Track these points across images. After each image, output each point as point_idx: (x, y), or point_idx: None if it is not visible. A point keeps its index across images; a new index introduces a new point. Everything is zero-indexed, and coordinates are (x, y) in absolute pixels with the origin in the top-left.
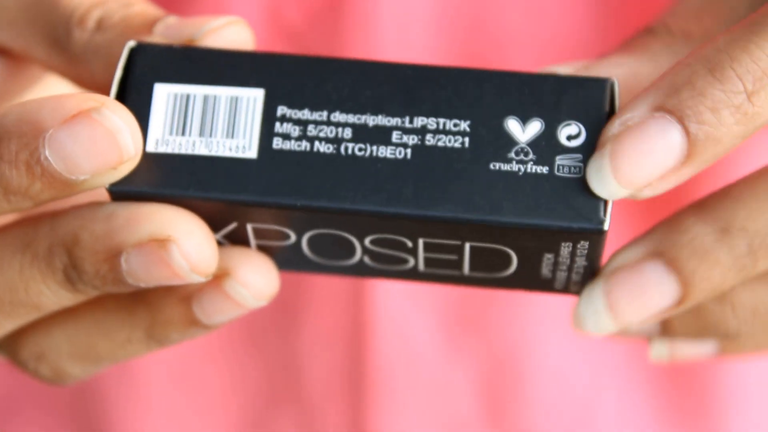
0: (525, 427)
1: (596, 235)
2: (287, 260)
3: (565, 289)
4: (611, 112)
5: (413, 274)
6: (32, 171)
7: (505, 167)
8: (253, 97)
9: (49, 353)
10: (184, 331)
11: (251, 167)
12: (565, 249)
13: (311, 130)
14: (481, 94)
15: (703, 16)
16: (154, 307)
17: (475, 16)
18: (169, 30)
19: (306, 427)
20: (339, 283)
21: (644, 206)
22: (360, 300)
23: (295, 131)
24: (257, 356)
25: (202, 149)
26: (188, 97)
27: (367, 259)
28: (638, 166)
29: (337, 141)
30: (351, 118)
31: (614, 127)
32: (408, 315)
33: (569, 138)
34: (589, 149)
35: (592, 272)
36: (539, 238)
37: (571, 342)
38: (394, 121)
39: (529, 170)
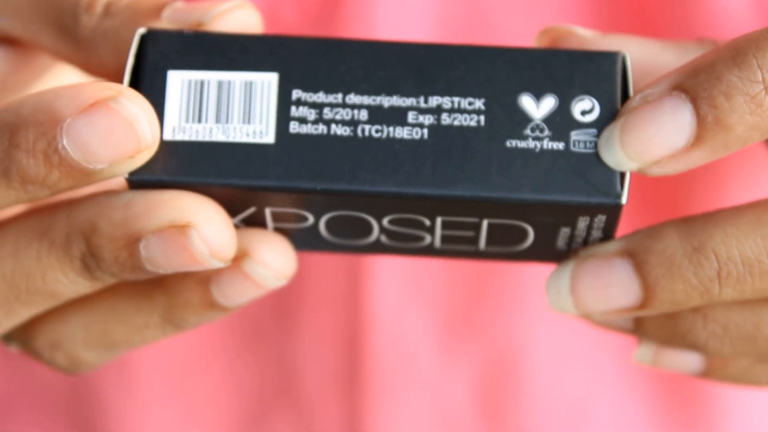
0: (521, 429)
1: (614, 209)
2: (303, 241)
3: None
4: (624, 86)
5: (428, 251)
6: (50, 160)
7: (522, 144)
8: (268, 81)
9: (64, 341)
10: (202, 314)
11: (269, 152)
12: (582, 223)
13: (327, 113)
14: (494, 71)
15: None
16: (171, 290)
17: (474, 17)
18: (177, 14)
19: (303, 427)
20: (336, 284)
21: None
22: (357, 301)
23: (311, 114)
24: (254, 357)
25: (219, 136)
26: (202, 83)
27: (383, 238)
28: (646, 140)
29: (353, 123)
30: (366, 100)
31: (635, 100)
32: (404, 316)
33: (583, 113)
34: (603, 123)
35: None
36: (557, 213)
37: (567, 344)
38: (409, 101)
39: (545, 147)
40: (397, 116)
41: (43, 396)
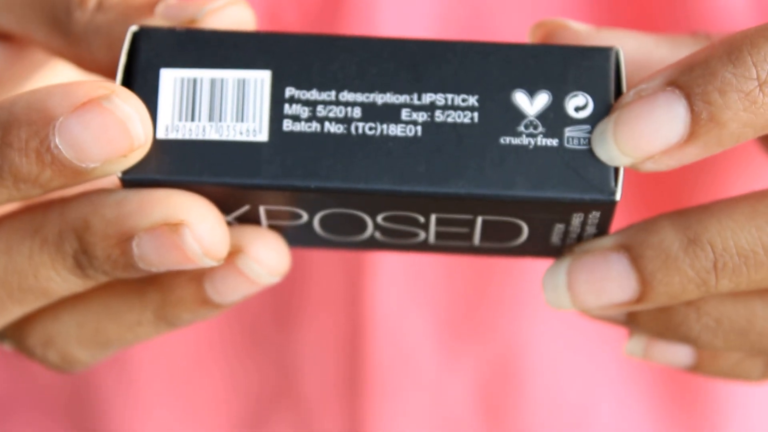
0: (522, 430)
1: (608, 206)
2: (298, 237)
3: None
4: (618, 81)
5: (423, 247)
6: (42, 159)
7: (516, 141)
8: (261, 79)
9: (57, 339)
10: (196, 311)
11: (263, 150)
12: (577, 219)
13: (320, 111)
14: (488, 67)
15: None
16: (164, 287)
17: (475, 16)
18: (170, 10)
19: (303, 428)
20: (336, 286)
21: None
22: (357, 302)
23: (304, 112)
24: (254, 359)
25: (212, 134)
26: (195, 81)
27: (378, 235)
28: (639, 135)
29: (347, 121)
30: (359, 97)
31: (629, 95)
32: (405, 317)
33: (577, 109)
34: (597, 119)
35: None
36: (551, 210)
37: (568, 344)
38: (403, 98)
39: (539, 143)
40: (391, 113)
41: (43, 397)
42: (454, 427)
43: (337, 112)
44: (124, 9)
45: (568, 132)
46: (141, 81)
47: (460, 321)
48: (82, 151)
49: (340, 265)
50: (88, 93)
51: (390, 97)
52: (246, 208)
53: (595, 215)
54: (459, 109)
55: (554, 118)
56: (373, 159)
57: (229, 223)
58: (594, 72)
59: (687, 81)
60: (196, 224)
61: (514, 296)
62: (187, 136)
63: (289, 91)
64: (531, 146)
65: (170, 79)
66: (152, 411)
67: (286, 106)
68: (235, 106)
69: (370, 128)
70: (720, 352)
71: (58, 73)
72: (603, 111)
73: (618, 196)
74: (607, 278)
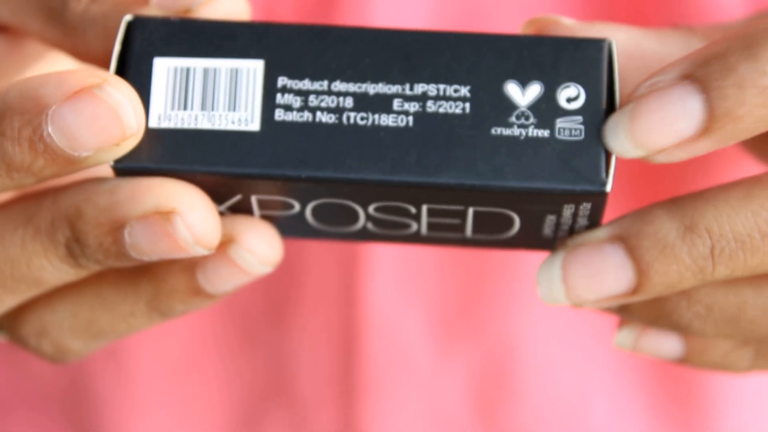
0: (516, 429)
1: (599, 197)
2: (290, 228)
3: None
4: (610, 73)
5: (415, 238)
6: (35, 147)
7: (507, 132)
8: (253, 69)
9: (51, 329)
10: (188, 302)
11: (255, 140)
12: (568, 210)
13: (312, 101)
14: (480, 58)
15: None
16: (157, 277)
17: (469, 11)
18: (165, 0)
19: (297, 426)
20: (330, 284)
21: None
22: (351, 300)
23: (296, 102)
24: (249, 357)
25: (204, 123)
26: (188, 70)
27: (370, 225)
28: (654, 128)
29: (338, 111)
30: (352, 87)
31: (642, 87)
32: (400, 315)
33: (569, 100)
34: (588, 111)
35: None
36: (542, 201)
37: (562, 342)
38: (395, 88)
39: (530, 134)
40: (383, 104)
41: (39, 395)
42: (449, 424)
43: (329, 101)
44: None
45: (560, 123)
46: (134, 70)
47: (455, 319)
48: (75, 139)
49: (335, 264)
50: (81, 82)
51: (382, 87)
52: (238, 197)
53: (586, 206)
54: (451, 99)
55: (546, 109)
56: (365, 149)
57: (221, 213)
58: (586, 63)
59: (704, 75)
60: (188, 212)
61: (508, 294)
62: (179, 125)
63: (282, 81)
64: (522, 137)
65: (163, 68)
66: (148, 408)
67: (279, 95)
68: (228, 96)
69: (362, 118)
70: (708, 343)
71: (54, 64)
72: (595, 102)
73: (609, 188)
74: (602, 270)
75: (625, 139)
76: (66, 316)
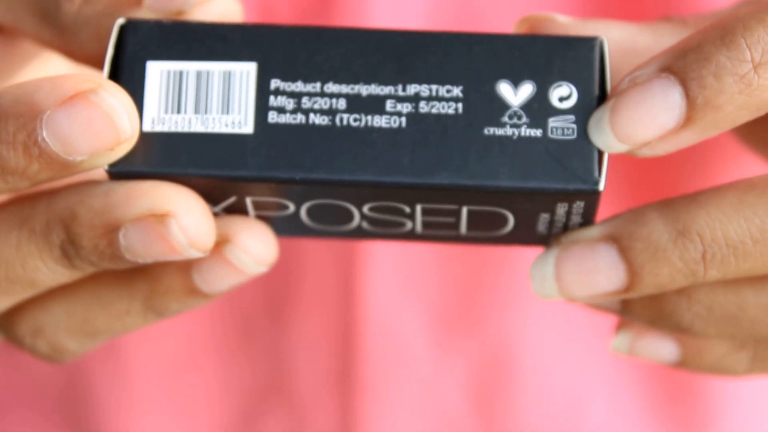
0: (514, 427)
1: (592, 196)
2: (285, 227)
3: None
4: (602, 72)
5: (410, 236)
6: (29, 152)
7: (499, 132)
8: (246, 71)
9: (46, 328)
10: (184, 301)
11: (248, 142)
12: (561, 209)
13: (305, 103)
14: (472, 58)
15: None
16: (152, 277)
17: (464, 12)
18: (157, 2)
19: (296, 424)
20: (329, 282)
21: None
22: (350, 298)
23: (289, 104)
24: (248, 355)
25: (198, 126)
26: (181, 73)
27: (365, 225)
28: (636, 122)
29: (331, 112)
30: (344, 89)
31: (623, 83)
32: (398, 313)
33: (561, 99)
34: (581, 110)
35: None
36: (535, 200)
37: (560, 340)
38: (388, 89)
39: (523, 134)
40: (376, 105)
41: (37, 394)
42: (447, 421)
43: (322, 103)
44: (112, 1)
45: (552, 122)
46: (128, 73)
47: (453, 316)
48: (69, 144)
49: (333, 262)
50: (75, 86)
51: (375, 89)
52: (233, 199)
53: (579, 205)
54: (443, 100)
55: (538, 109)
56: (358, 150)
57: (216, 214)
58: (578, 62)
59: (682, 66)
60: (182, 215)
61: (506, 292)
62: (173, 129)
63: (275, 83)
64: (515, 137)
65: (156, 72)
66: (146, 407)
67: (272, 97)
68: (221, 99)
69: (355, 120)
70: (705, 347)
71: (49, 65)
72: (587, 101)
73: (601, 186)
74: (595, 269)
75: (609, 134)
76: (61, 315)
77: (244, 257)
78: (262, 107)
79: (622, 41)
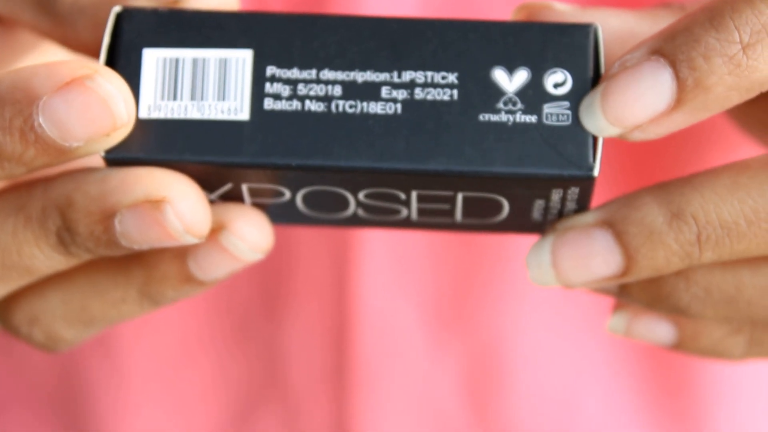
0: (508, 421)
1: (586, 181)
2: (281, 215)
3: None
4: (596, 58)
5: (406, 224)
6: (26, 137)
7: (494, 118)
8: (242, 58)
9: (42, 317)
10: (179, 289)
11: (244, 129)
12: (556, 195)
13: (301, 89)
14: (467, 45)
15: None
16: (148, 264)
17: (461, 2)
18: None
19: (290, 421)
20: (323, 276)
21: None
22: (344, 293)
23: (285, 91)
24: (242, 351)
25: (194, 113)
26: (177, 61)
27: (360, 212)
28: (627, 105)
29: (327, 99)
30: (340, 76)
31: (614, 67)
32: (392, 309)
33: (556, 86)
34: (575, 96)
35: None
36: (530, 186)
37: (554, 335)
38: (383, 76)
39: (517, 120)
40: (371, 91)
41: (32, 391)
42: (441, 415)
43: (318, 90)
44: None
45: (547, 108)
46: (124, 61)
47: (447, 311)
48: (66, 130)
49: (327, 257)
50: (72, 72)
51: (370, 75)
52: (229, 186)
53: (574, 191)
54: (438, 86)
55: (533, 95)
56: (353, 137)
57: (212, 201)
58: (573, 49)
59: (671, 49)
60: (178, 201)
61: (500, 286)
62: (169, 116)
63: (271, 70)
64: (510, 123)
65: (153, 59)
66: (141, 402)
67: (267, 84)
68: (217, 86)
69: (350, 106)
70: (701, 329)
71: (46, 55)
72: (582, 87)
73: (596, 172)
74: (591, 254)
75: (600, 118)
76: (57, 303)
77: (239, 244)
78: (258, 94)
79: (620, 29)
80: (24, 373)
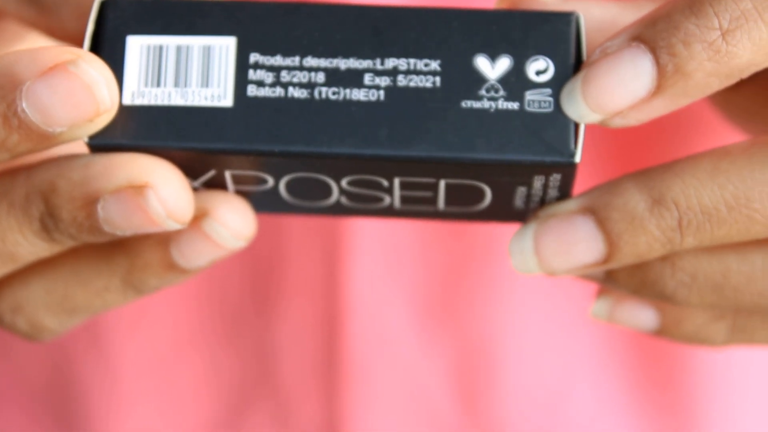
0: (498, 414)
1: (568, 168)
2: (264, 203)
3: None
4: (578, 46)
5: (389, 212)
6: (9, 123)
7: (477, 105)
8: (226, 46)
9: (26, 305)
10: (162, 276)
11: (227, 115)
12: (538, 182)
13: (284, 76)
14: (450, 33)
15: None
16: (131, 251)
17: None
18: None
19: (282, 415)
20: (313, 272)
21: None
22: (334, 288)
23: (268, 78)
24: (234, 347)
25: (177, 100)
26: (161, 48)
27: (343, 200)
28: (607, 91)
29: (310, 86)
30: (323, 63)
31: (595, 53)
32: (382, 304)
33: (538, 73)
34: (557, 83)
35: None
36: (512, 172)
37: (544, 330)
38: (366, 63)
39: (500, 107)
40: (354, 78)
41: (23, 390)
42: (432, 413)
43: (301, 77)
44: None
45: (529, 95)
46: (108, 48)
47: (437, 306)
48: (49, 115)
49: (317, 252)
50: (55, 58)
51: (353, 63)
52: (212, 173)
53: (556, 177)
54: (421, 73)
55: (515, 82)
56: (336, 123)
57: (195, 189)
58: (555, 36)
59: (651, 35)
60: (161, 186)
61: (490, 281)
62: (152, 102)
63: (254, 57)
64: (492, 110)
65: (137, 47)
66: (132, 399)
67: (251, 71)
68: (201, 72)
69: (333, 93)
70: (684, 315)
71: (32, 45)
72: (564, 75)
73: (578, 158)
74: (573, 241)
75: (581, 104)
76: (41, 292)
77: (222, 231)
78: (241, 81)
79: (602, 19)
80: (15, 370)
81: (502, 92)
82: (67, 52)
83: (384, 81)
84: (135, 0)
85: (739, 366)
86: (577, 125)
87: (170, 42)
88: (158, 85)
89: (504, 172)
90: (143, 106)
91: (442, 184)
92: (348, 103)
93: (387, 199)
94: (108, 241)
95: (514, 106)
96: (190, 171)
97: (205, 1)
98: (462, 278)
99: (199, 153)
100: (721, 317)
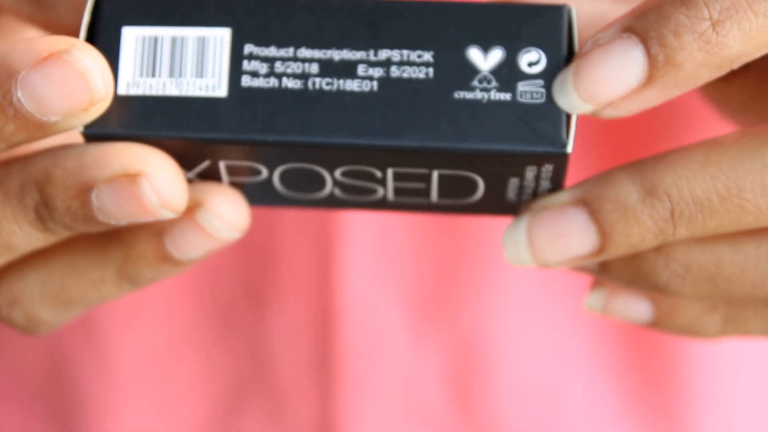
0: (492, 414)
1: (560, 158)
2: (258, 195)
3: None
4: (570, 38)
5: (382, 204)
6: (5, 112)
7: (469, 96)
8: (220, 37)
9: (22, 298)
10: (157, 268)
11: (222, 106)
12: (530, 173)
13: (278, 67)
14: (443, 24)
15: None
16: (126, 243)
17: None
18: None
19: (276, 413)
20: (307, 270)
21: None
22: (328, 286)
23: (262, 68)
24: (228, 345)
25: (172, 90)
26: (156, 39)
27: (337, 191)
28: (599, 82)
29: (304, 76)
30: (317, 54)
31: (586, 45)
32: (376, 303)
33: (530, 64)
34: (549, 75)
35: None
36: (505, 163)
37: (538, 328)
38: (359, 54)
39: (492, 98)
40: (348, 69)
41: (20, 387)
42: (425, 412)
43: (295, 68)
44: None
45: (521, 87)
46: (103, 39)
47: (431, 304)
48: (44, 104)
49: (310, 249)
50: (49, 47)
51: (347, 53)
52: (207, 163)
53: (548, 168)
54: (414, 64)
55: (508, 74)
56: (330, 113)
57: (190, 180)
58: (547, 28)
59: (642, 26)
60: (155, 175)
61: (484, 278)
62: (147, 92)
63: (248, 48)
64: (484, 100)
65: (132, 37)
66: (128, 396)
67: (245, 62)
68: (195, 63)
69: (327, 84)
70: (678, 307)
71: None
72: (556, 66)
73: (569, 149)
74: (566, 233)
75: (573, 95)
76: (36, 284)
77: (216, 222)
78: (235, 71)
79: (594, 13)
80: (12, 367)
81: (494, 83)
82: (62, 41)
83: (377, 72)
84: None
85: (732, 365)
86: (569, 116)
87: (165, 33)
88: (153, 75)
89: (496, 163)
90: (138, 96)
91: (435, 175)
92: (341, 94)
93: (380, 191)
94: (103, 231)
95: (506, 96)
96: (185, 161)
97: None
98: (456, 274)
99: (193, 143)
100: (715, 308)
